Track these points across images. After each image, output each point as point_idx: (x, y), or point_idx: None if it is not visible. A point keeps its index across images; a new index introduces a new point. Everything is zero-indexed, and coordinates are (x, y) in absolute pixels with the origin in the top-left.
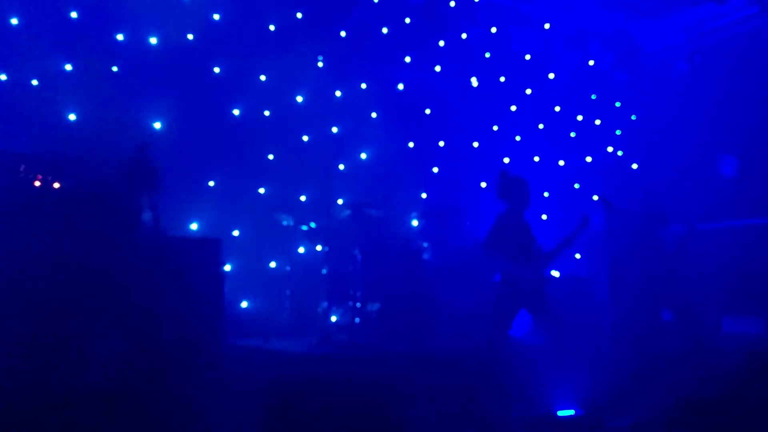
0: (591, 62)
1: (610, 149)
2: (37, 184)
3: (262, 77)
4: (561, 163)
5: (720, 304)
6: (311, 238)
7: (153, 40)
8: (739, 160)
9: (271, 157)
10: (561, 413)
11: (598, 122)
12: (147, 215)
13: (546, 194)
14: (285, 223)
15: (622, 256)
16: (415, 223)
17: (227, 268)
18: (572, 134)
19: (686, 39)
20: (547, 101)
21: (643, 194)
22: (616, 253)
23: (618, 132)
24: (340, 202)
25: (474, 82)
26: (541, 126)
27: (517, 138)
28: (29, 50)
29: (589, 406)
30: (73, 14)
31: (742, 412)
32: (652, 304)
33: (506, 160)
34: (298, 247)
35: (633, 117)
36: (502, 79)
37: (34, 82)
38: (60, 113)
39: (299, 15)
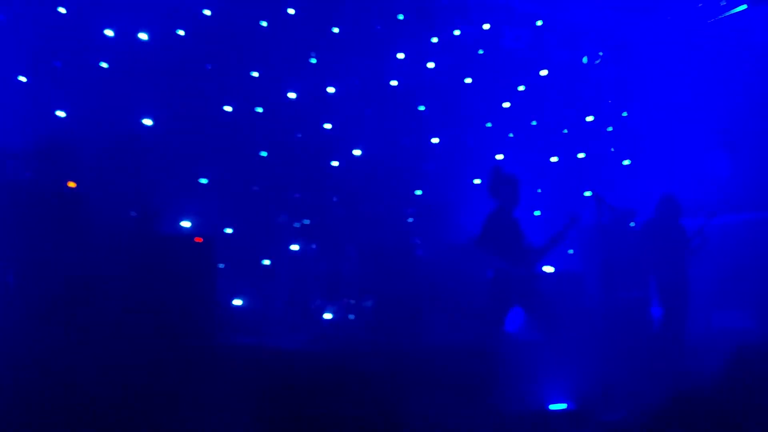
0: (584, 59)
1: (602, 146)
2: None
3: (254, 74)
4: (553, 159)
5: (710, 299)
6: (304, 235)
7: (143, 36)
8: (731, 156)
9: (263, 153)
10: (553, 407)
11: (590, 119)
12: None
13: (539, 191)
14: None
15: (616, 250)
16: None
17: (220, 265)
18: (564, 131)
19: (679, 35)
20: (539, 98)
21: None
22: (608, 248)
23: (609, 128)
24: None
25: (467, 78)
26: (533, 123)
27: (510, 135)
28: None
29: (581, 400)
30: (62, 10)
31: (732, 407)
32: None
33: (499, 156)
34: (291, 245)
35: (624, 114)
36: (495, 76)
37: (23, 79)
38: (49, 110)
39: (291, 11)
